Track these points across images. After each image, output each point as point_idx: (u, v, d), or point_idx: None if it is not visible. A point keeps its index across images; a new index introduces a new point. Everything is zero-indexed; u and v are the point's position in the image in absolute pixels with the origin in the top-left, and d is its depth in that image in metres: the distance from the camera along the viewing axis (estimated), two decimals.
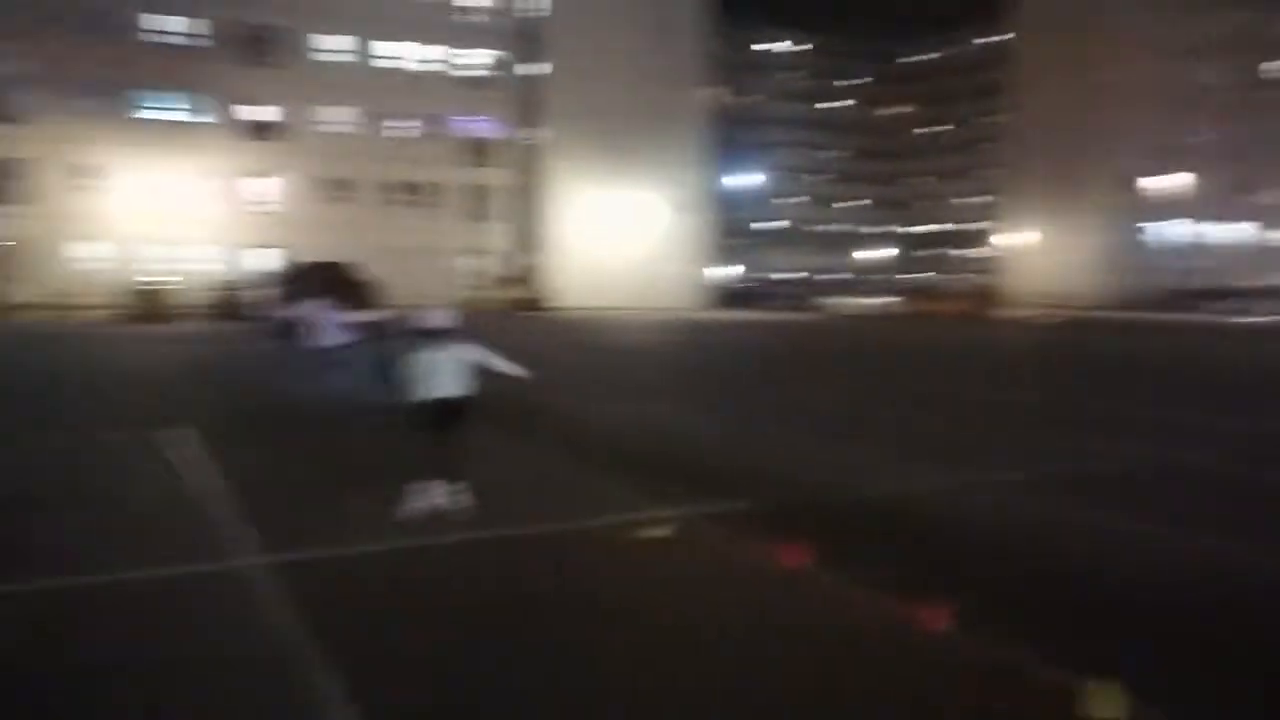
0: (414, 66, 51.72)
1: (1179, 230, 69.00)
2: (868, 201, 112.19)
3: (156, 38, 46.71)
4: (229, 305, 37.11)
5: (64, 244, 44.90)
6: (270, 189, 49.44)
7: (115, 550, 6.35)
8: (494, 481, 8.03)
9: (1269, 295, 50.95)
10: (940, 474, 9.12)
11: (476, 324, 33.23)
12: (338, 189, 50.13)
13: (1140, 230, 68.08)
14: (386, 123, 51.23)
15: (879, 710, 4.17)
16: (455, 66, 52.91)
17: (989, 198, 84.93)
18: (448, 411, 7.09)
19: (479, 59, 53.87)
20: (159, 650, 4.73)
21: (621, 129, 55.59)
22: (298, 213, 49.00)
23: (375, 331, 13.21)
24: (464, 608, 5.33)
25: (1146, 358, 25.04)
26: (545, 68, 55.18)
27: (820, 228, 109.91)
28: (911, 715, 4.14)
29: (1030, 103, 71.25)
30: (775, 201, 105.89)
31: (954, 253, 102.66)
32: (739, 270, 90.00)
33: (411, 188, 51.92)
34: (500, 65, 54.05)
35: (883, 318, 49.69)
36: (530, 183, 55.98)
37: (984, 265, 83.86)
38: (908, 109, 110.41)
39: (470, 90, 53.36)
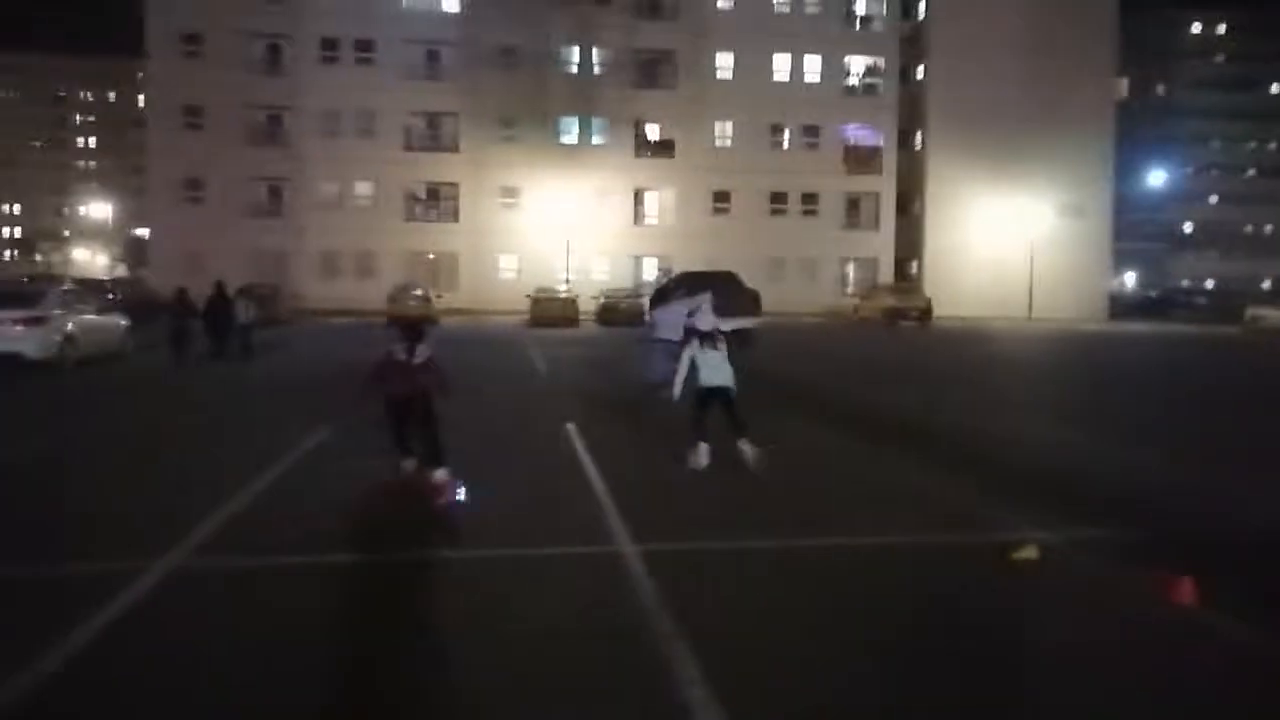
0: (800, 77, 52.34)
1: None
2: None
3: (569, 68, 51.00)
4: (619, 311, 39.41)
5: (485, 256, 50.53)
6: (661, 202, 52.34)
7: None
8: (860, 490, 8.05)
9: None
10: None
11: (852, 335, 33.36)
12: (723, 200, 51.96)
13: None
14: (773, 134, 52.31)
15: None
16: (841, 75, 52.89)
17: None
18: (721, 396, 8.68)
19: (862, 66, 53.50)
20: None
21: (1008, 130, 52.59)
22: (685, 224, 51.43)
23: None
24: (821, 609, 5.17)
25: None
26: (928, 72, 53.55)
27: (1239, 230, 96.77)
28: None
29: None
30: (1184, 203, 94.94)
31: None
32: (1140, 278, 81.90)
33: (793, 197, 52.59)
34: (882, 72, 53.29)
35: None
36: (911, 189, 54.61)
37: None
38: None
39: (853, 98, 53.18)
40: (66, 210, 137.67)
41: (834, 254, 52.96)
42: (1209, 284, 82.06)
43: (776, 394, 15.49)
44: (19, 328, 16.55)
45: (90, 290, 29.71)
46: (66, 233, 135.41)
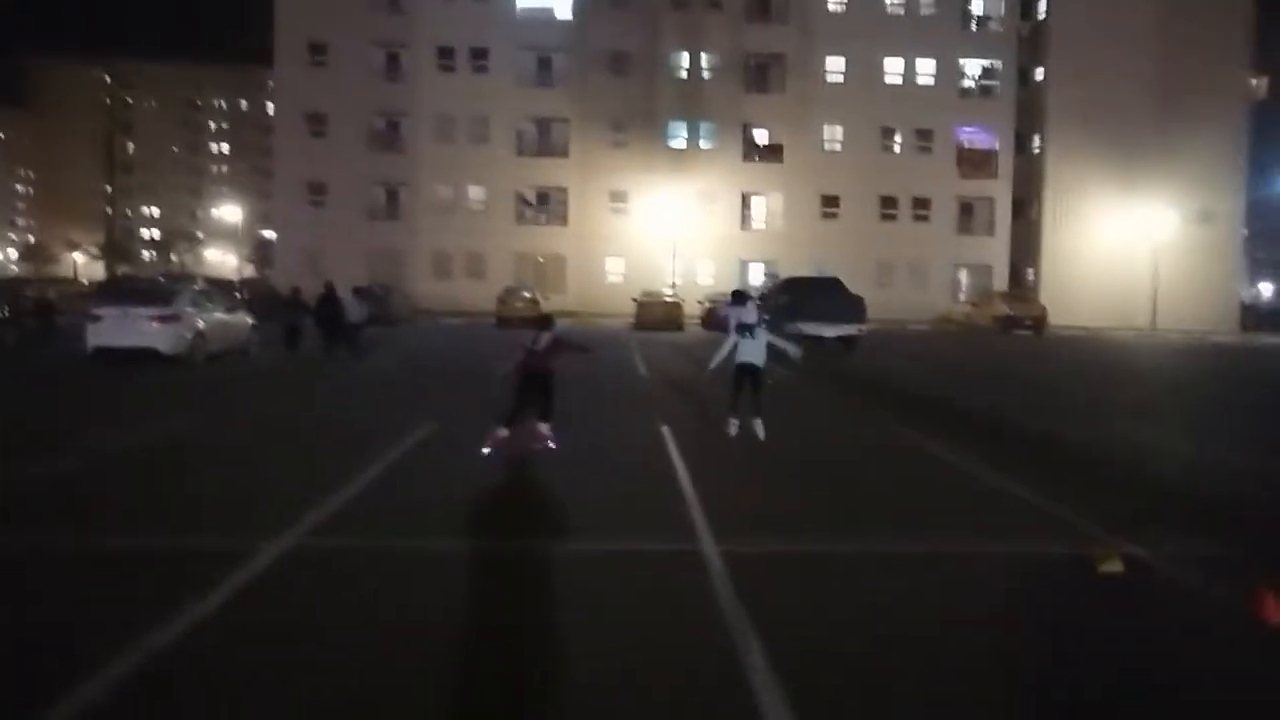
0: (913, 80, 51.47)
1: None
2: None
3: (679, 73, 51.29)
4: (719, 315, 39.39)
5: (593, 259, 51.21)
6: (768, 206, 52.16)
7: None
8: (948, 500, 8.05)
9: None
10: None
11: (961, 343, 32.62)
12: (831, 204, 51.47)
13: None
14: (883, 137, 51.57)
15: None
16: (955, 77, 51.80)
17: None
18: (751, 371, 10.80)
19: (978, 68, 52.30)
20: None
21: (1132, 132, 50.67)
22: (792, 228, 51.13)
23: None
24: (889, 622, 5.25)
25: None
26: (1048, 72, 51.95)
27: None
28: None
29: None
30: None
31: None
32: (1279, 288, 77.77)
33: (904, 201, 51.72)
34: (999, 73, 51.98)
35: None
36: (1029, 194, 53.07)
37: None
38: None
39: (969, 100, 52.05)
40: (200, 213, 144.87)
41: (946, 260, 51.90)
42: None
43: (874, 398, 15.37)
44: (154, 324, 17.62)
45: (219, 289, 31.32)
46: (200, 234, 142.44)
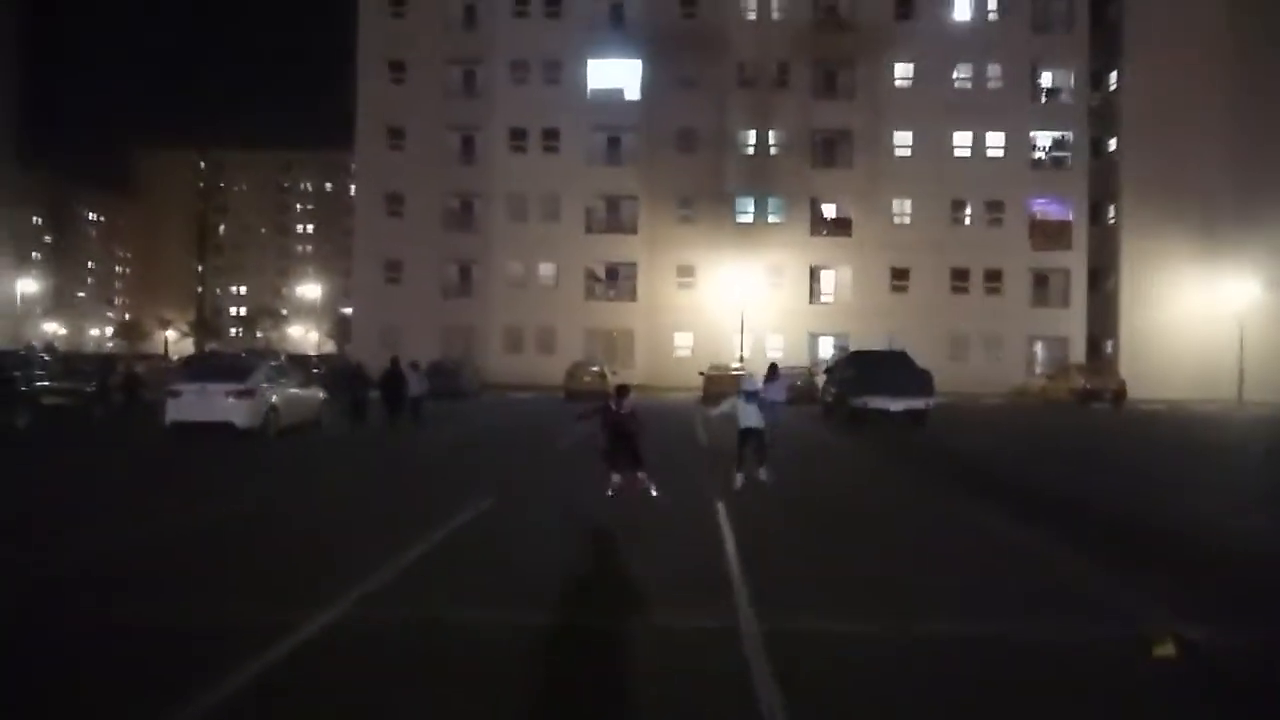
0: (982, 152, 51.32)
1: None
2: None
3: (746, 149, 51.97)
4: (793, 388, 38.96)
5: (661, 333, 51.55)
6: (837, 279, 52.07)
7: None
8: (1015, 583, 7.94)
9: None
10: None
11: (1036, 416, 31.85)
12: (901, 277, 51.18)
13: None
14: (953, 210, 51.34)
15: None
16: (1026, 149, 51.52)
17: None
18: (750, 433, 12.89)
19: (1049, 140, 51.96)
20: None
21: (1211, 201, 49.46)
22: (862, 301, 50.90)
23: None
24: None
25: None
26: (1121, 143, 51.31)
27: None
28: None
29: None
30: None
31: None
32: None
33: (976, 274, 51.17)
34: (1071, 144, 51.53)
35: None
36: (1105, 265, 52.09)
37: None
38: None
39: (1040, 171, 51.65)
40: (285, 290, 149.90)
41: (1020, 332, 50.99)
42: None
43: (941, 473, 15.08)
44: (230, 400, 18.22)
45: (297, 364, 32.29)
46: (284, 310, 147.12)
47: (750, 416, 12.97)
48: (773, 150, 51.74)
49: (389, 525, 9.64)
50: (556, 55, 52.01)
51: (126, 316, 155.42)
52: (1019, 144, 51.24)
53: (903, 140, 51.32)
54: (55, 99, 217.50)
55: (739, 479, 12.82)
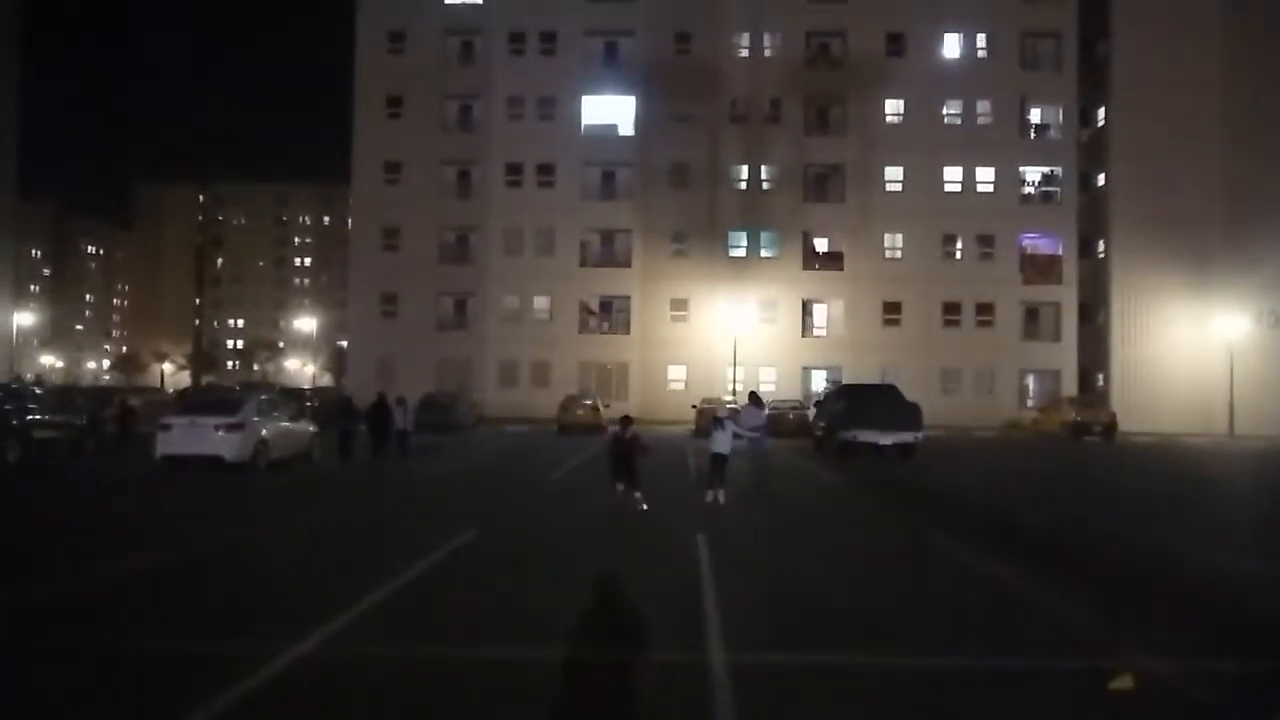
0: (972, 187, 51.82)
1: None
2: None
3: (739, 184, 52.45)
4: (785, 421, 38.94)
5: (655, 366, 51.74)
6: (829, 313, 52.38)
7: None
8: (987, 613, 8.12)
9: None
10: None
11: (1025, 450, 31.98)
12: (893, 311, 51.48)
13: None
14: (945, 244, 51.75)
15: None
16: (1016, 184, 52.06)
17: None
18: (718, 456, 14.75)
19: (1038, 174, 52.51)
20: None
21: (1200, 234, 50.00)
22: (854, 335, 51.16)
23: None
24: None
25: None
26: (1110, 178, 51.87)
27: None
28: None
29: None
30: None
31: None
32: None
33: (967, 308, 51.47)
34: (1060, 179, 52.07)
35: None
36: (1095, 298, 52.47)
37: None
38: None
39: (1030, 206, 52.17)
40: (282, 322, 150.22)
41: (1012, 366, 51.23)
42: None
43: (923, 508, 15.20)
44: (220, 433, 18.36)
45: (289, 397, 32.44)
46: (281, 343, 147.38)
47: (720, 443, 14.82)
48: (765, 185, 52.24)
49: (362, 561, 9.76)
50: (551, 91, 52.63)
51: (124, 349, 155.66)
52: (1009, 179, 51.79)
53: (894, 175, 51.86)
54: (55, 131, 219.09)
55: (709, 495, 14.64)
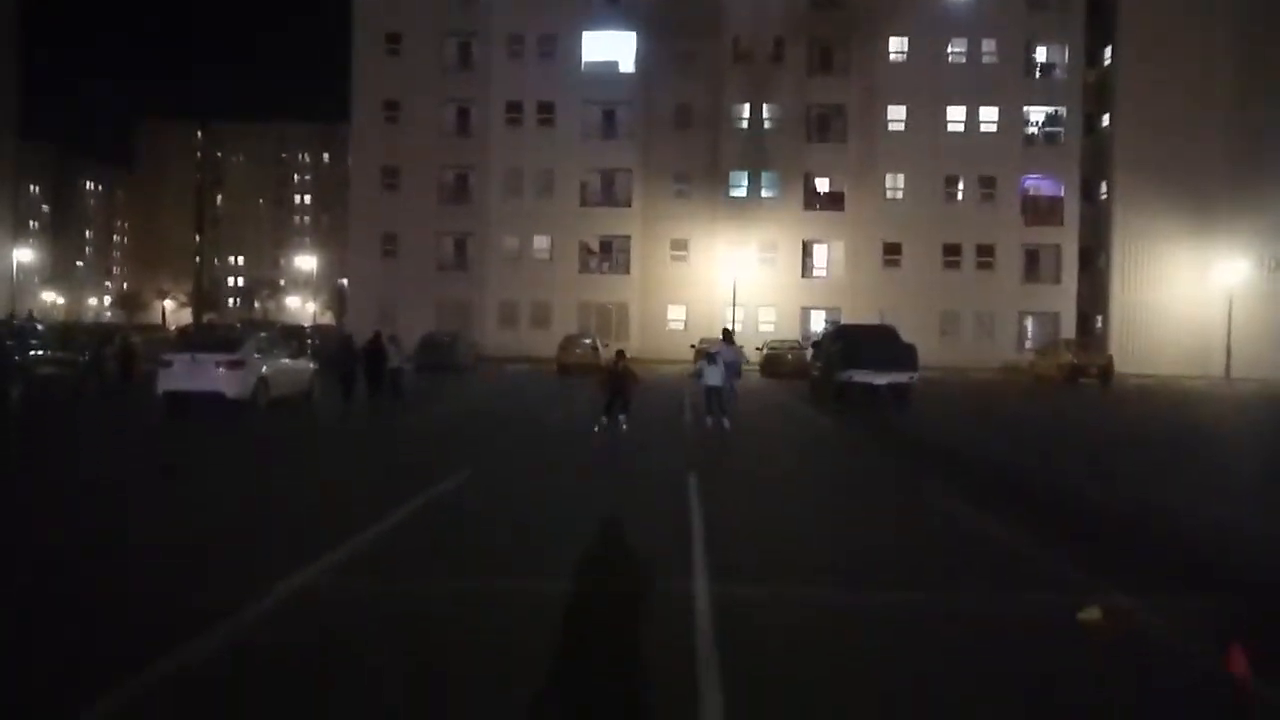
0: (975, 128, 51.40)
1: None
2: None
3: (741, 124, 52.00)
4: (784, 362, 39.15)
5: (655, 307, 51.83)
6: (830, 255, 52.31)
7: None
8: (961, 554, 8.15)
9: None
10: None
11: (1021, 393, 32.19)
12: (893, 253, 51.41)
13: None
14: (946, 185, 51.49)
15: None
16: (1020, 125, 51.61)
17: None
18: (714, 390, 16.85)
19: (1042, 115, 52.02)
20: None
21: (1203, 178, 49.76)
22: (854, 277, 51.17)
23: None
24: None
25: None
26: (1114, 120, 51.41)
27: None
28: None
29: None
30: None
31: None
32: None
33: (968, 250, 51.39)
34: (1064, 121, 51.59)
35: None
36: (1096, 242, 52.34)
37: None
38: None
39: (1033, 148, 51.77)
40: (283, 262, 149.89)
41: (1011, 308, 51.32)
42: None
43: (911, 453, 15.44)
44: (221, 370, 18.53)
45: (289, 336, 32.58)
46: (282, 282, 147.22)
47: (714, 376, 17.05)
48: (767, 125, 51.82)
49: (358, 498, 10.02)
50: (552, 29, 51.99)
51: (125, 287, 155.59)
52: (1013, 120, 51.35)
53: (896, 116, 51.42)
54: (55, 70, 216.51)
55: (708, 420, 16.88)
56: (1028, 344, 50.52)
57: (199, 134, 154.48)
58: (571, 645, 5.34)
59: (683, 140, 51.43)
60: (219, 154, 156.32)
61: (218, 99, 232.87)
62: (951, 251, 51.44)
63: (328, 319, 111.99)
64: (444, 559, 7.29)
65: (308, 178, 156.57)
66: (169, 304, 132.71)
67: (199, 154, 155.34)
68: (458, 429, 17.12)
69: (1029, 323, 51.90)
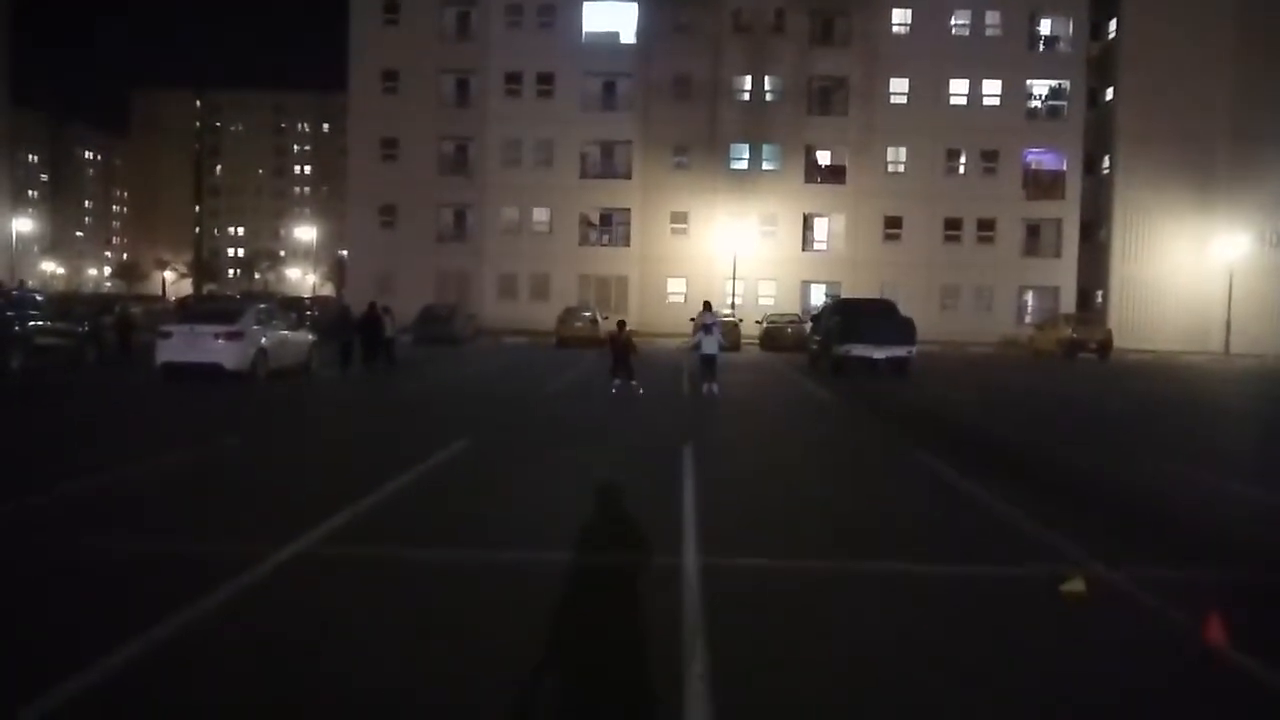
0: (978, 101, 51.09)
1: None
2: None
3: (742, 96, 51.67)
4: (784, 336, 39.16)
5: (655, 280, 51.76)
6: (830, 228, 52.17)
7: None
8: (937, 519, 8.26)
9: None
10: None
11: (1021, 367, 32.24)
12: (894, 226, 51.29)
13: None
14: (948, 159, 51.27)
15: None
16: (1022, 98, 51.29)
17: None
18: (710, 358, 18.48)
19: (1045, 89, 51.70)
20: None
21: (1206, 154, 49.56)
22: (854, 250, 51.07)
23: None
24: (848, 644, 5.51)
25: None
26: (1118, 93, 51.07)
27: None
28: None
29: None
30: None
31: None
32: None
33: (969, 223, 51.26)
34: (1067, 94, 51.27)
35: None
36: (1097, 216, 52.19)
37: None
38: None
39: (1036, 122, 51.48)
40: (283, 233, 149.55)
41: (1012, 282, 51.25)
42: None
43: (905, 423, 15.50)
44: (219, 342, 18.60)
45: (289, 308, 32.60)
46: (282, 253, 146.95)
47: (709, 345, 18.74)
48: (768, 97, 51.52)
49: (357, 467, 10.08)
50: None
51: (124, 257, 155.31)
52: (1015, 93, 51.05)
53: (898, 88, 51.11)
54: (52, 37, 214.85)
55: (705, 387, 18.36)
56: (1027, 318, 50.51)
57: (197, 102, 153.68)
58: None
59: (683, 112, 51.15)
60: (217, 124, 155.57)
61: (215, 67, 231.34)
62: (952, 225, 51.31)
63: (328, 290, 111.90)
64: (427, 528, 7.36)
65: (307, 148, 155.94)
66: (169, 275, 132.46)
67: (197, 123, 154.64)
68: (456, 400, 17.15)
69: (1029, 297, 51.85)
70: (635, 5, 51.46)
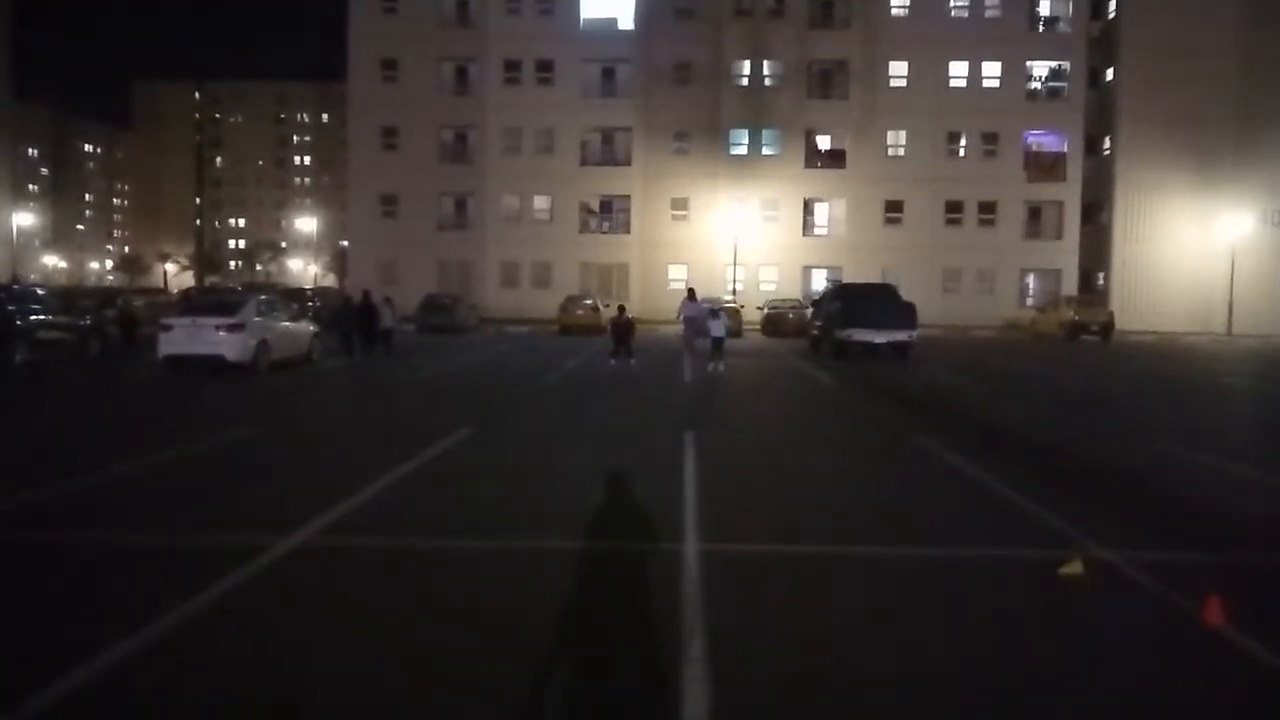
0: (978, 83, 50.91)
1: None
2: None
3: (741, 81, 51.49)
4: (785, 321, 39.15)
5: (656, 266, 51.75)
6: (831, 212, 52.08)
7: None
8: (930, 502, 8.30)
9: None
10: None
11: (1021, 350, 32.22)
12: (895, 210, 51.20)
13: None
14: (949, 142, 51.12)
15: None
16: (1023, 79, 51.08)
17: None
18: (718, 340, 20.60)
19: (1046, 70, 51.49)
20: None
21: (1208, 134, 49.37)
22: (855, 235, 51.00)
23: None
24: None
25: None
26: (1119, 74, 50.86)
27: None
28: None
29: None
30: None
31: None
32: None
33: (970, 206, 51.15)
34: (1068, 75, 51.05)
35: None
36: (1099, 197, 52.06)
37: None
38: None
39: (1036, 103, 51.29)
40: (284, 223, 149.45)
41: (1013, 265, 51.18)
42: None
43: (908, 410, 15.53)
44: (221, 333, 18.65)
45: (290, 299, 32.64)
46: (283, 244, 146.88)
47: (716, 329, 20.80)
48: (768, 82, 51.35)
49: (358, 459, 10.15)
50: None
51: (126, 250, 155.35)
52: (1016, 74, 50.85)
53: (898, 71, 50.93)
54: (53, 30, 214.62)
55: (710, 365, 20.42)
56: (1029, 301, 50.46)
57: (197, 94, 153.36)
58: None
59: (683, 97, 51.03)
60: (217, 115, 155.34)
61: (214, 58, 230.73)
62: (953, 208, 51.21)
63: (330, 281, 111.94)
64: (431, 517, 7.42)
65: (307, 138, 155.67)
66: (171, 267, 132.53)
67: (197, 115, 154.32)
68: (459, 389, 17.21)
69: (1031, 279, 51.78)
70: None
